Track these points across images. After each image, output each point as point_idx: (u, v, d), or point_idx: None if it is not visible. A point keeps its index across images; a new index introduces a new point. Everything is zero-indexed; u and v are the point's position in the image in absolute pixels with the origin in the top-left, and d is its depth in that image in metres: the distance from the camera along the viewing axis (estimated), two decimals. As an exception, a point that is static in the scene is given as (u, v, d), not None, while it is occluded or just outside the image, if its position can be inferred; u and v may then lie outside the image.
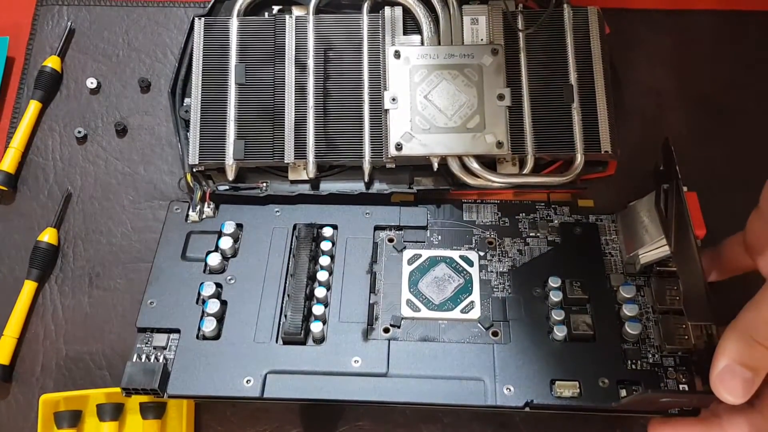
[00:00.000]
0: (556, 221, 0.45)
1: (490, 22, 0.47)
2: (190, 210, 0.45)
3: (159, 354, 0.41)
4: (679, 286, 0.40)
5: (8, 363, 0.45)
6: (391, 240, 0.44)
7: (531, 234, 0.44)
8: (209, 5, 0.49)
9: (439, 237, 0.44)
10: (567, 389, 0.38)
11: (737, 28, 0.52)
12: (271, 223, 0.45)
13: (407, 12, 0.47)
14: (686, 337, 0.40)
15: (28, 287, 0.46)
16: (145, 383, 0.39)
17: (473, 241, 0.44)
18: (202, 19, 0.48)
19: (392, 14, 0.47)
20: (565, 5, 0.47)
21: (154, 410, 0.43)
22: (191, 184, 0.46)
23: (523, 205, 0.46)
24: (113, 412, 0.43)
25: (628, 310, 0.40)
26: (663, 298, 0.41)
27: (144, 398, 0.43)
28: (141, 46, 0.53)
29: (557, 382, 0.38)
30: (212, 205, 0.45)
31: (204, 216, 0.45)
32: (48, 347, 0.46)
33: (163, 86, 0.51)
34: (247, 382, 0.39)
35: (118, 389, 0.42)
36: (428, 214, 0.45)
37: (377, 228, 0.44)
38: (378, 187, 0.46)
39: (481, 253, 0.44)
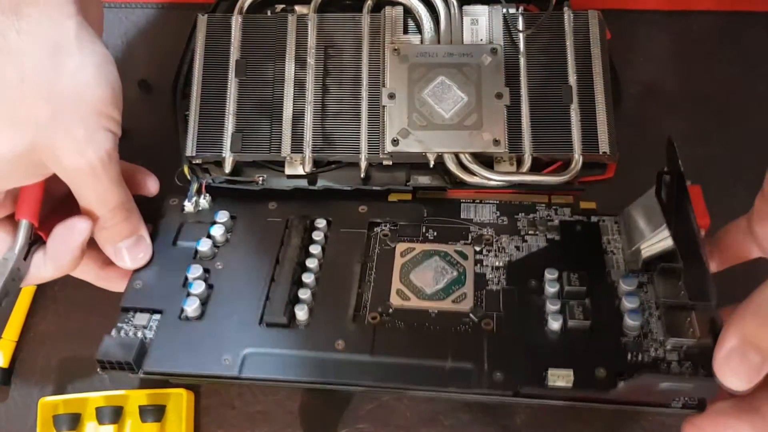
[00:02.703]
0: (556, 221, 0.44)
1: (490, 23, 0.47)
2: (186, 201, 0.45)
3: (138, 332, 0.40)
4: (683, 281, 0.38)
5: (7, 366, 0.45)
6: (385, 235, 0.44)
7: (530, 232, 0.43)
8: (214, 4, 0.49)
9: (435, 233, 0.44)
10: (560, 378, 0.36)
11: (738, 28, 0.52)
12: (265, 215, 0.44)
13: (408, 12, 0.47)
14: (691, 330, 0.37)
15: (27, 290, 0.46)
16: (120, 356, 0.38)
17: (469, 237, 0.43)
18: (205, 15, 0.48)
19: (393, 13, 0.47)
20: (565, 8, 0.47)
21: (154, 413, 0.43)
22: (188, 177, 0.46)
23: (522, 205, 0.45)
24: (112, 415, 0.43)
25: (628, 302, 0.38)
26: (667, 292, 0.39)
27: (144, 401, 0.43)
28: (140, 48, 0.53)
29: (550, 370, 0.36)
30: (208, 197, 0.45)
31: (200, 208, 0.45)
32: (47, 350, 0.46)
33: (164, 88, 0.51)
34: (225, 360, 0.38)
35: (117, 392, 0.42)
36: (425, 210, 0.44)
37: (372, 224, 0.44)
38: (374, 183, 0.46)
39: (477, 248, 0.43)
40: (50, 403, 0.43)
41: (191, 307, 0.40)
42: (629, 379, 0.35)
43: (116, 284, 0.43)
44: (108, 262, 0.42)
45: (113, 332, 0.40)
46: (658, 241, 0.40)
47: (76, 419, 0.43)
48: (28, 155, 0.37)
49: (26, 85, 0.36)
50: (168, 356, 0.39)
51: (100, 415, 0.43)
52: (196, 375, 0.38)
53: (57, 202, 0.42)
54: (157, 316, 0.40)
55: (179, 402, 0.43)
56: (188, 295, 0.41)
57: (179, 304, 0.40)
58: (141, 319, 0.40)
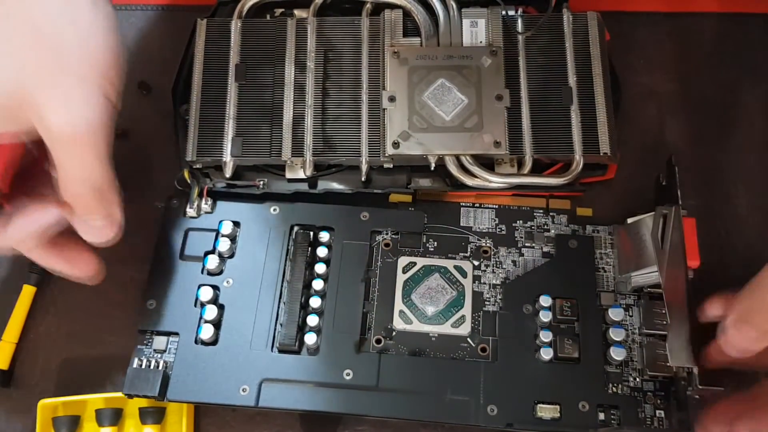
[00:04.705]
0: (552, 231, 0.45)
1: (490, 25, 0.47)
2: (188, 206, 0.45)
3: (159, 357, 0.42)
4: (667, 342, 0.40)
5: (7, 368, 0.45)
6: (387, 245, 0.44)
7: (527, 244, 0.44)
8: (213, 8, 0.49)
9: (435, 243, 0.45)
10: (548, 412, 0.39)
11: (738, 30, 0.52)
12: (268, 222, 0.45)
13: (407, 15, 0.47)
14: (668, 364, 0.40)
15: (27, 291, 0.46)
16: (146, 390, 0.40)
17: (468, 249, 0.44)
18: (205, 20, 0.48)
19: (392, 17, 0.47)
20: (564, 10, 0.47)
21: (154, 415, 0.43)
22: (189, 181, 0.45)
23: (521, 211, 0.46)
24: (112, 417, 0.43)
25: (614, 335, 0.41)
26: (650, 321, 0.42)
27: (144, 403, 0.43)
28: (140, 50, 0.53)
29: (539, 405, 0.40)
30: (209, 201, 0.45)
31: (201, 212, 0.45)
32: (47, 352, 0.45)
33: (163, 90, 0.51)
34: (242, 390, 0.40)
35: (117, 394, 0.42)
36: (425, 217, 0.45)
37: (374, 232, 0.45)
38: (375, 186, 0.46)
39: (476, 263, 0.44)
40: (50, 404, 0.43)
41: (206, 335, 0.42)
42: (610, 428, 0.39)
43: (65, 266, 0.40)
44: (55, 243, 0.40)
45: (135, 361, 0.41)
46: (648, 273, 0.42)
47: (75, 421, 0.43)
48: (12, 98, 0.34)
49: (34, 30, 0.34)
50: (189, 385, 0.41)
51: (100, 417, 0.43)
52: (216, 404, 0.41)
53: (26, 168, 0.39)
54: (174, 339, 0.42)
55: (179, 404, 0.43)
56: (202, 320, 0.42)
57: (194, 325, 0.42)
58: (159, 343, 0.42)
